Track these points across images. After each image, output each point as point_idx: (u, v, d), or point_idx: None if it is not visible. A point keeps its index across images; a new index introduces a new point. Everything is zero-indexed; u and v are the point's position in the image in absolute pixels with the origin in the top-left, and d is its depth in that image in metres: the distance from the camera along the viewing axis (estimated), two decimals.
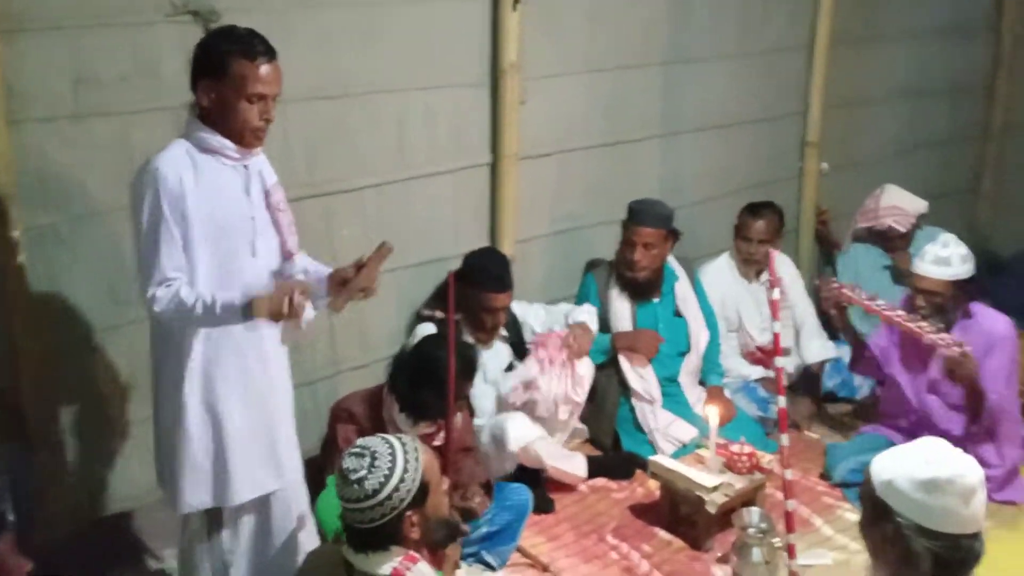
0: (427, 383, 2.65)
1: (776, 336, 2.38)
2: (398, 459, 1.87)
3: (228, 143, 2.28)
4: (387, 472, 1.85)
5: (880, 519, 1.78)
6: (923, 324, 3.03)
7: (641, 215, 3.52)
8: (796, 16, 4.38)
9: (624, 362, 3.54)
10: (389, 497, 1.84)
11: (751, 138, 4.43)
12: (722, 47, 4.19)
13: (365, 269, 2.38)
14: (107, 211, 2.74)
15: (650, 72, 3.99)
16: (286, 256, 2.45)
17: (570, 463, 3.30)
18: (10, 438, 2.68)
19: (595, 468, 3.38)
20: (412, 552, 1.88)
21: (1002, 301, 3.46)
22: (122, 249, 2.70)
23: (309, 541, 2.56)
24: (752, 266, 3.95)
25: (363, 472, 1.85)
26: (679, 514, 3.10)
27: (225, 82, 2.22)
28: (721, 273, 3.98)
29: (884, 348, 3.39)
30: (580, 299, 3.70)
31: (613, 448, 3.56)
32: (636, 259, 3.50)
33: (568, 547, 3.03)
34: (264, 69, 2.23)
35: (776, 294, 2.39)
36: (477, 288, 3.28)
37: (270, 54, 2.25)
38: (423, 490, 1.89)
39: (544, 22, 3.54)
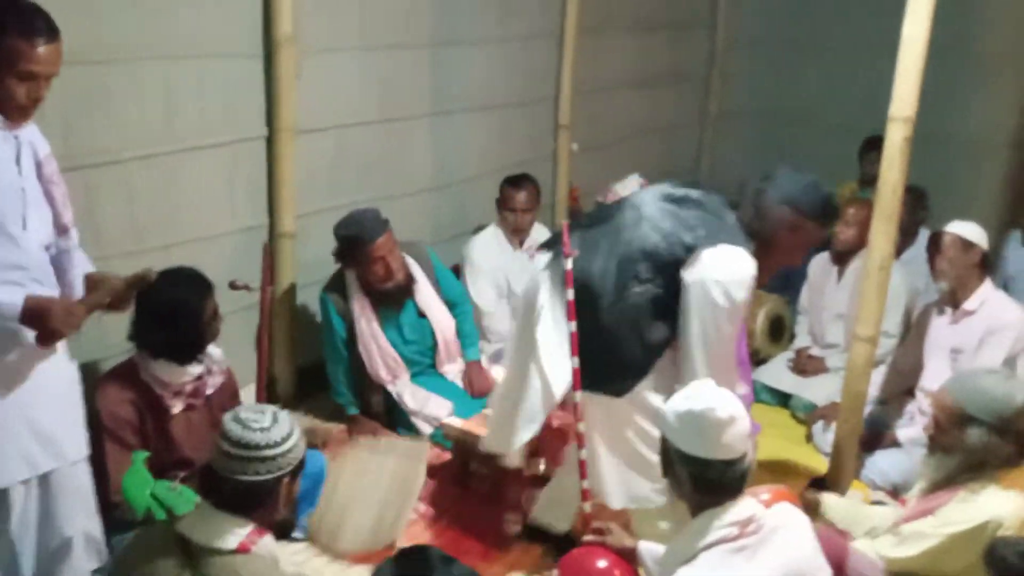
0: (174, 323, 2.68)
1: (570, 303, 2.59)
2: (296, 427, 1.91)
3: None
4: (288, 432, 1.87)
5: (662, 444, 2.09)
6: None
7: (368, 231, 3.42)
8: (548, 4, 4.70)
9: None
10: (284, 454, 1.85)
11: (512, 120, 4.70)
12: (483, 31, 4.40)
13: (122, 291, 2.34)
14: None
15: (419, 52, 4.11)
16: (60, 230, 2.35)
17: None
18: None
19: None
20: (261, 526, 1.87)
21: None
22: None
23: (89, 523, 2.50)
24: (518, 235, 4.22)
25: (267, 423, 1.84)
26: (470, 471, 3.27)
27: None
28: (490, 245, 4.21)
29: None
30: (323, 322, 3.61)
31: None
32: (391, 269, 3.47)
33: None
34: (42, 49, 2.13)
35: (569, 264, 2.60)
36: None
37: (51, 34, 2.15)
38: (301, 464, 1.92)
39: None
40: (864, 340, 2.93)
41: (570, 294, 2.58)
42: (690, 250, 2.49)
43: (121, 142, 3.07)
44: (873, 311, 2.90)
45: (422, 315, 3.69)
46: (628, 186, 4.51)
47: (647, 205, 2.63)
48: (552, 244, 2.79)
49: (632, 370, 2.59)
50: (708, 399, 1.99)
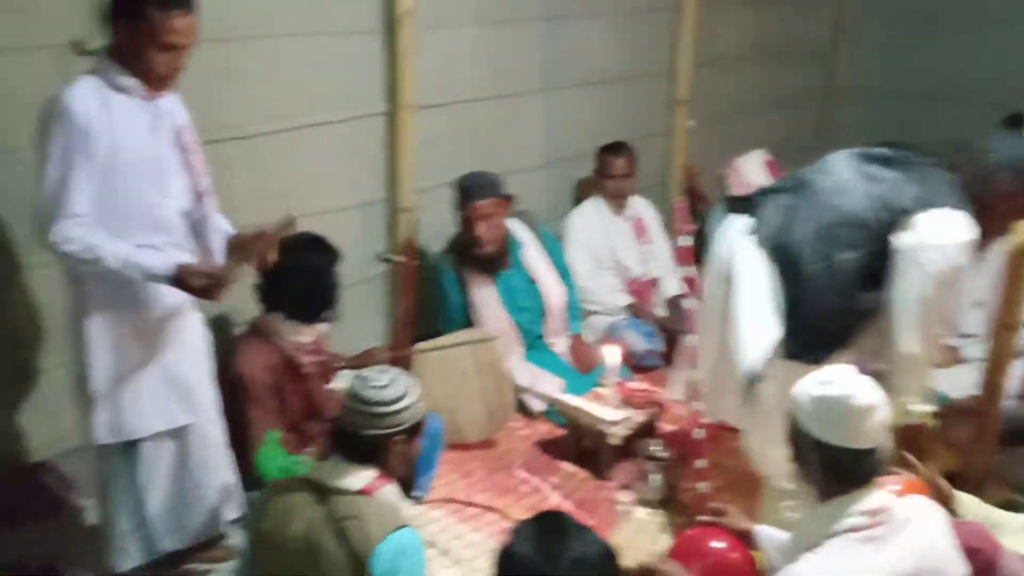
0: (303, 283, 2.82)
1: (692, 279, 2.55)
2: (414, 389, 2.02)
3: (136, 83, 2.28)
4: (404, 391, 1.99)
5: (792, 429, 2.01)
6: None
7: (473, 190, 3.49)
8: None
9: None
10: (397, 412, 1.96)
11: (625, 95, 4.62)
12: (598, 4, 4.33)
13: (263, 239, 2.43)
14: None
15: (532, 26, 4.08)
16: (198, 197, 2.46)
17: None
18: None
19: None
20: (385, 474, 1.96)
21: None
22: (24, 189, 2.52)
23: (226, 475, 2.64)
24: (618, 201, 4.22)
25: (384, 383, 1.96)
26: (582, 448, 3.27)
27: (139, 27, 2.21)
28: (589, 215, 4.19)
29: None
30: (440, 292, 3.64)
31: None
32: (480, 234, 3.49)
33: (482, 482, 3.15)
34: (179, 21, 2.23)
35: (684, 240, 2.55)
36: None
37: (188, 6, 2.25)
38: (417, 427, 2.04)
39: None
40: (1008, 328, 2.76)
41: (691, 271, 2.53)
42: (903, 214, 2.39)
43: (250, 117, 3.18)
44: (1018, 298, 2.73)
45: (533, 281, 3.72)
46: (752, 161, 4.39)
47: (845, 170, 2.54)
48: (742, 208, 2.70)
49: (836, 339, 2.51)
50: (847, 385, 1.91)
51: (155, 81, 2.29)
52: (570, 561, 1.55)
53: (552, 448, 3.34)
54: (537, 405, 3.56)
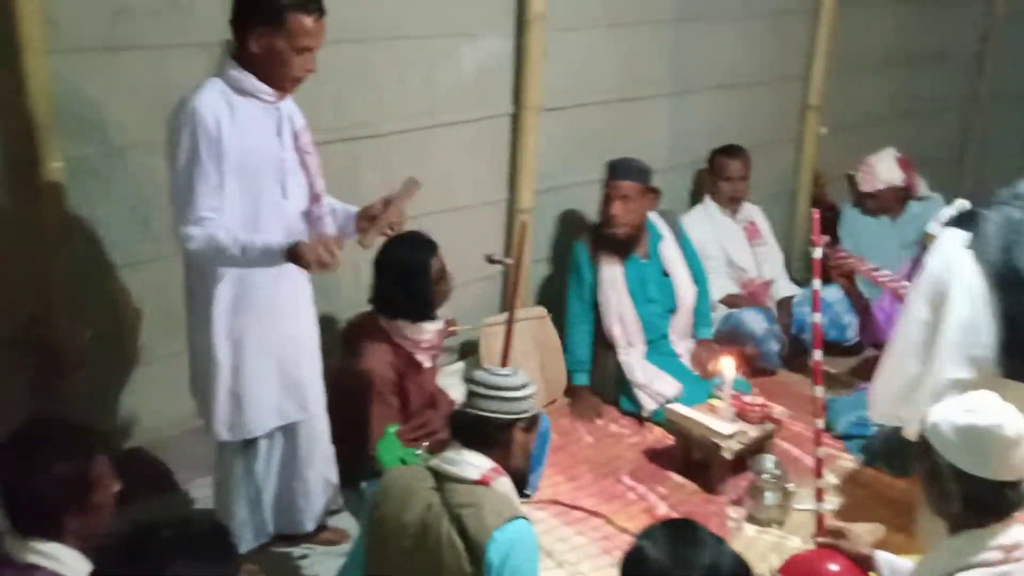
0: (406, 282, 2.86)
1: (816, 327, 2.51)
2: (533, 386, 2.11)
3: (264, 86, 2.32)
4: (525, 383, 2.08)
5: (925, 457, 1.92)
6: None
7: (618, 169, 3.57)
8: None
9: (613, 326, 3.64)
10: (518, 399, 2.04)
11: (755, 99, 4.51)
12: (732, 7, 4.24)
13: (393, 205, 2.46)
14: (139, 145, 2.72)
15: (662, 28, 4.04)
16: (314, 198, 2.48)
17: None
18: (42, 366, 2.71)
19: None
20: (500, 466, 2.03)
21: None
22: (156, 183, 2.68)
23: (329, 468, 2.71)
24: (733, 204, 4.16)
25: (508, 372, 2.08)
26: (692, 459, 3.22)
27: (279, 33, 2.25)
28: (701, 218, 4.14)
29: (888, 314, 3.54)
30: (571, 269, 3.70)
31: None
32: (615, 213, 3.53)
33: (587, 487, 3.14)
34: (316, 24, 2.28)
35: (818, 253, 2.48)
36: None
37: (322, 8, 2.29)
38: (535, 419, 2.11)
39: None
40: None
41: (816, 283, 2.47)
42: None
43: (382, 116, 3.28)
44: None
45: (666, 274, 3.71)
46: (884, 158, 4.23)
47: None
48: (960, 222, 2.66)
49: None
50: (995, 414, 1.81)
51: (288, 84, 2.34)
52: (704, 568, 1.51)
53: (660, 457, 3.31)
54: (650, 404, 3.53)
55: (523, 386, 2.07)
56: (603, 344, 3.66)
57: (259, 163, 2.33)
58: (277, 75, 2.31)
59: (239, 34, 2.29)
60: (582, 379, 3.68)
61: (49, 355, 2.71)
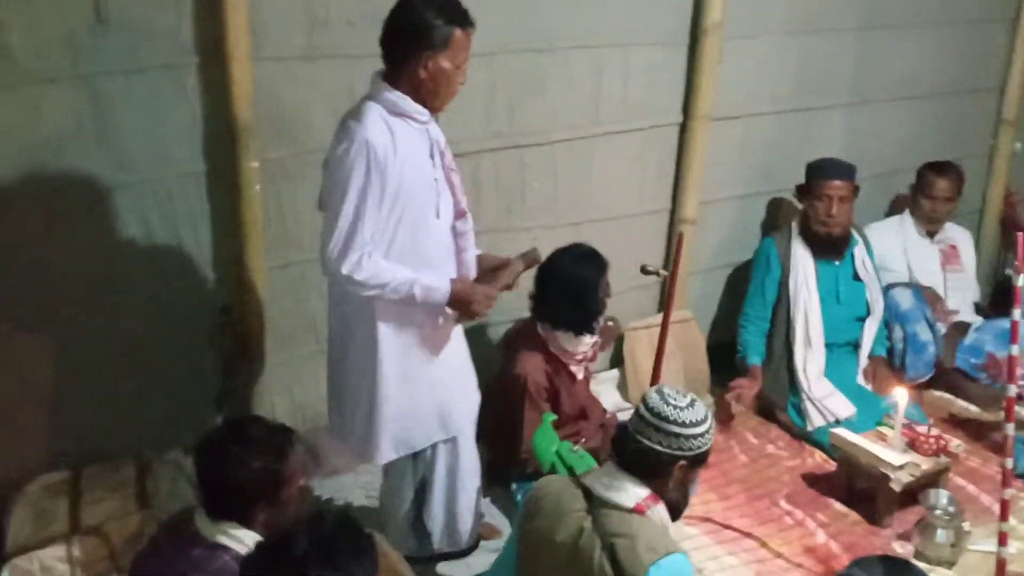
0: (575, 297, 2.89)
1: (1012, 359, 2.34)
2: (710, 419, 1.95)
3: (420, 107, 2.28)
4: (700, 419, 1.92)
5: None
6: None
7: (832, 169, 3.55)
8: None
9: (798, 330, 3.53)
10: (688, 437, 1.89)
11: (942, 111, 4.25)
12: (922, 14, 4.01)
13: (510, 268, 2.51)
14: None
15: (844, 36, 3.87)
16: (458, 215, 2.45)
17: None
18: (231, 350, 2.94)
19: None
20: (656, 495, 1.93)
21: None
22: None
23: (477, 479, 2.70)
24: (932, 225, 3.91)
25: (683, 404, 1.91)
26: (856, 488, 3.08)
27: (446, 54, 2.22)
28: (888, 230, 3.94)
29: None
30: (758, 263, 3.68)
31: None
32: (834, 213, 3.51)
33: (741, 508, 3.07)
34: (470, 38, 2.27)
35: (1021, 280, 2.31)
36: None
37: (474, 22, 2.26)
38: (703, 456, 1.95)
39: None
40: None
41: (1016, 314, 2.30)
42: None
43: (551, 125, 3.33)
44: None
45: (858, 278, 3.63)
46: None
47: None
48: None
49: None
50: None
51: (448, 101, 2.30)
52: None
53: (820, 483, 3.18)
54: (818, 420, 3.40)
55: (700, 422, 1.91)
56: (780, 346, 3.59)
57: (417, 187, 2.30)
58: (441, 95, 2.29)
59: (399, 60, 2.25)
60: (755, 358, 3.60)
61: (237, 340, 2.93)
